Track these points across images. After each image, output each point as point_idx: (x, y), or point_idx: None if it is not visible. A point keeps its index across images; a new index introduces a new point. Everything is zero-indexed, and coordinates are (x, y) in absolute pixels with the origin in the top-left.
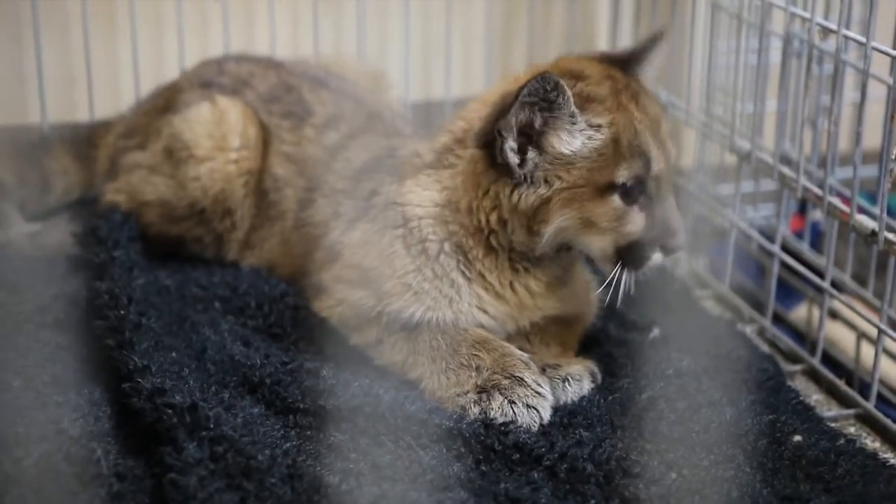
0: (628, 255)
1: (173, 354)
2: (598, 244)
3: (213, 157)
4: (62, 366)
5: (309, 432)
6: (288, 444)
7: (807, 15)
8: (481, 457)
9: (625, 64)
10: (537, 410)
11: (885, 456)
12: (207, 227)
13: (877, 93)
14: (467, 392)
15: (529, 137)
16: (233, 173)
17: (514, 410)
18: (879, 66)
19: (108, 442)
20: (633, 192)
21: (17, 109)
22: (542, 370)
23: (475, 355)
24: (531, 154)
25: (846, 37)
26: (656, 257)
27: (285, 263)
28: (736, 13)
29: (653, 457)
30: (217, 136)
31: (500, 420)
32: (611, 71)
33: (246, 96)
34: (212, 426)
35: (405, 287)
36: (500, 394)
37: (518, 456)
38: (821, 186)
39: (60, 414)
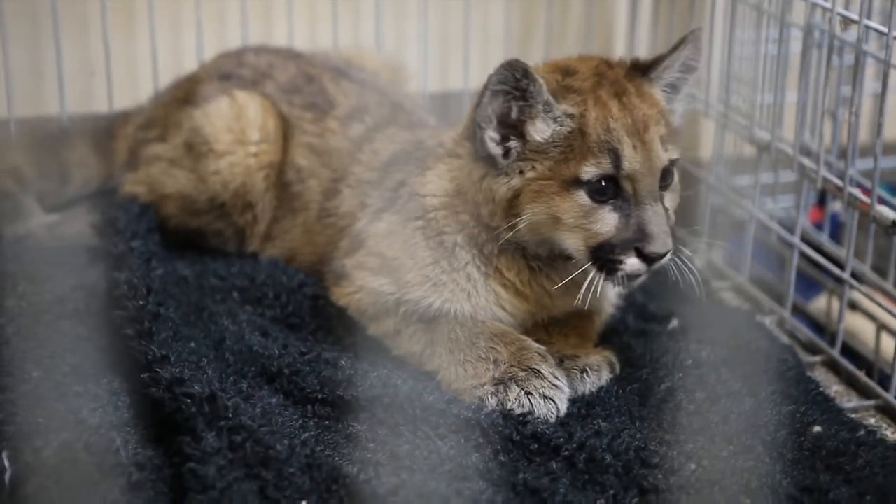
0: (600, 256)
1: (192, 344)
2: (570, 242)
3: (233, 152)
4: (81, 356)
5: (327, 422)
6: (306, 434)
7: (828, 5)
8: (500, 447)
9: (645, 68)
10: (554, 402)
11: None
12: (227, 220)
13: None
14: (484, 384)
15: (514, 128)
16: (253, 166)
17: (530, 401)
18: None
19: (127, 431)
20: (604, 191)
21: (36, 101)
22: (560, 361)
23: (493, 348)
24: (513, 144)
25: (867, 27)
26: (632, 263)
27: (307, 252)
28: (756, 4)
29: (672, 447)
30: (237, 129)
31: (518, 412)
32: (605, 70)
33: (266, 87)
34: (230, 416)
35: (425, 278)
36: (517, 385)
37: (536, 446)
38: (841, 177)
39: (80, 404)
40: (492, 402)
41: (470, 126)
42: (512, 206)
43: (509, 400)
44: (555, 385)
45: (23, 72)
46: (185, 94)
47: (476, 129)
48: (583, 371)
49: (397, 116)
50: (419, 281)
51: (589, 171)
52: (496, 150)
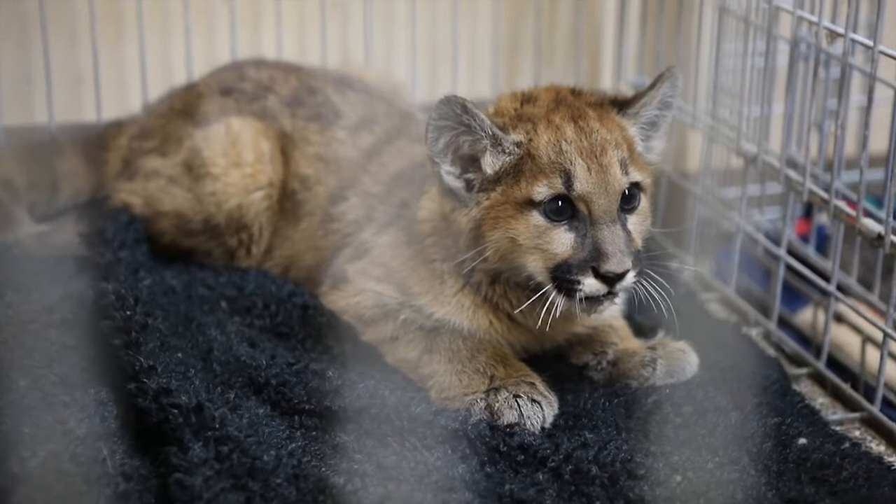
0: (558, 277)
1: (179, 355)
2: (531, 265)
3: (228, 174)
4: (68, 366)
5: (314, 433)
6: (293, 445)
7: (814, 18)
8: (486, 458)
9: (622, 105)
10: (541, 407)
11: (890, 459)
12: (219, 241)
13: (883, 96)
14: (475, 392)
15: (471, 160)
16: (249, 187)
17: (518, 404)
18: (886, 69)
19: (114, 442)
20: (560, 212)
21: (25, 110)
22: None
23: (493, 366)
24: (473, 175)
25: (853, 40)
26: (590, 283)
27: (308, 257)
28: (743, 16)
29: (658, 459)
30: (232, 154)
31: (505, 413)
32: (567, 97)
33: (268, 101)
34: (217, 426)
35: (427, 289)
36: (506, 390)
37: (523, 457)
38: (827, 190)
39: (66, 414)
40: (480, 405)
41: (427, 162)
42: (476, 236)
43: (497, 401)
44: (544, 394)
45: (11, 80)
46: (184, 105)
47: (432, 165)
48: (679, 351)
49: (407, 128)
50: (423, 292)
51: (541, 191)
52: (456, 184)
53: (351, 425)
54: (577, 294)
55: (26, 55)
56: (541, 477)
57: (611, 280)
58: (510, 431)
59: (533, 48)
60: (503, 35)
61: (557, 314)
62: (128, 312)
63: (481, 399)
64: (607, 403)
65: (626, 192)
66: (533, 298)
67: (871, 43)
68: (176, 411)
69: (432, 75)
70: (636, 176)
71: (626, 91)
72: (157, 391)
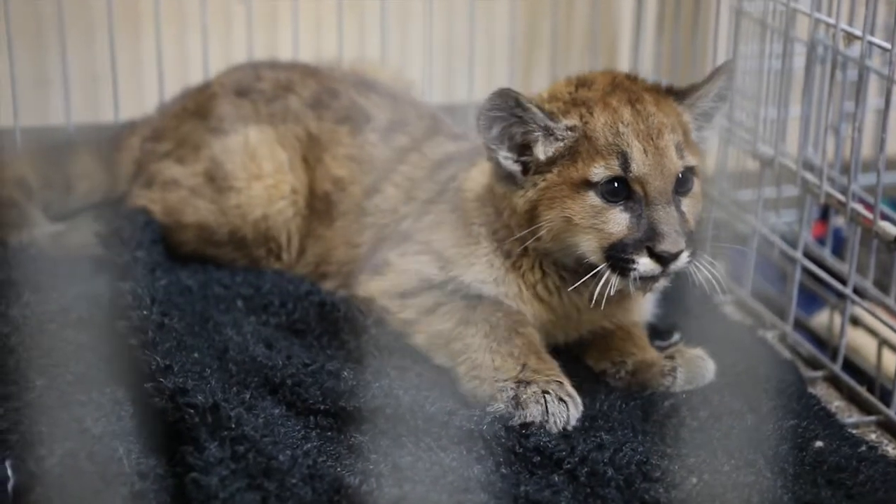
0: (613, 256)
1: (195, 354)
2: (585, 244)
3: (250, 186)
4: (85, 365)
5: (329, 433)
6: (309, 445)
7: (831, 21)
8: (502, 459)
9: (679, 94)
10: (567, 407)
11: None
12: (244, 251)
13: None
14: (506, 380)
15: (526, 146)
16: (274, 196)
17: (545, 400)
18: None
19: (130, 441)
20: (616, 192)
21: (42, 110)
22: (633, 374)
23: (525, 354)
24: (530, 158)
25: (871, 43)
26: (644, 262)
27: (340, 252)
28: (760, 18)
29: (673, 461)
30: (252, 167)
31: (531, 407)
32: (623, 81)
33: (290, 102)
34: (233, 426)
35: (461, 256)
36: (536, 385)
37: (539, 459)
38: (843, 192)
39: (83, 413)
40: (509, 393)
41: (484, 149)
42: (532, 217)
43: (526, 394)
44: (571, 395)
45: (28, 81)
46: (197, 106)
47: (488, 152)
48: (696, 359)
49: (440, 127)
50: (457, 258)
51: (598, 172)
52: (513, 168)
53: (366, 425)
54: (632, 273)
55: (43, 56)
56: (556, 478)
57: (665, 259)
58: (526, 433)
59: (549, 47)
60: (520, 34)
61: (612, 292)
62: (144, 312)
63: (511, 388)
64: (623, 406)
65: (681, 175)
66: (585, 278)
67: (888, 45)
68: (192, 411)
69: (448, 74)
70: (691, 160)
71: None
72: (174, 391)
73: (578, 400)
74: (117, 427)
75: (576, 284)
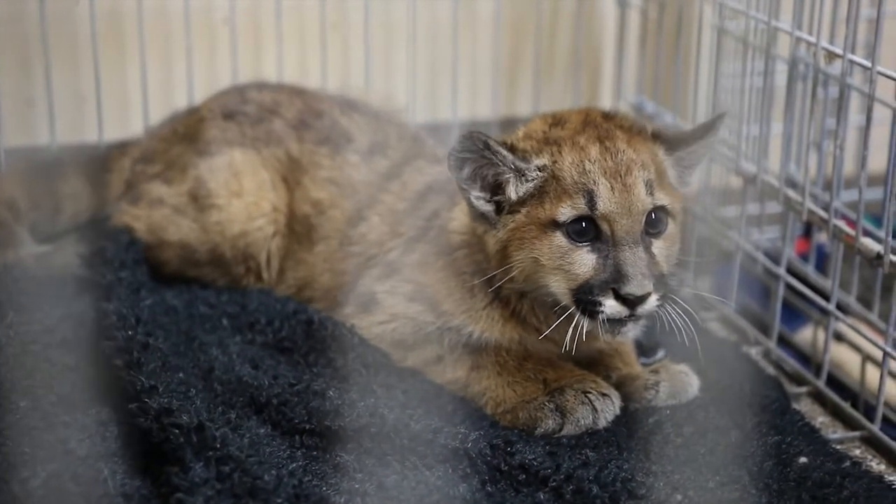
0: (581, 298)
1: (180, 375)
2: (554, 285)
3: (231, 203)
4: (69, 386)
5: (315, 453)
6: (294, 465)
7: (812, 39)
8: (487, 477)
9: (668, 142)
10: (612, 399)
11: (891, 478)
12: (224, 270)
13: (882, 116)
14: (537, 398)
15: (498, 186)
16: (253, 214)
17: (588, 398)
18: (884, 90)
19: (115, 462)
20: (583, 232)
21: (26, 131)
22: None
23: (541, 370)
24: (502, 198)
25: (851, 61)
26: (611, 305)
27: (324, 279)
28: (742, 37)
29: (658, 478)
30: (234, 185)
31: (579, 410)
32: (595, 118)
33: (273, 124)
34: (218, 446)
35: (460, 309)
36: (572, 388)
37: (524, 476)
38: (826, 209)
39: (67, 434)
40: (550, 406)
41: (457, 188)
42: (503, 257)
43: (567, 400)
44: (607, 388)
45: (12, 101)
46: (186, 130)
47: (461, 192)
48: (680, 374)
49: (422, 150)
50: (455, 311)
51: (564, 212)
52: (486, 208)
53: (351, 445)
54: (600, 316)
55: (28, 76)
56: (542, 496)
57: (631, 302)
58: (511, 451)
59: (533, 69)
60: (503, 56)
61: (583, 336)
62: (129, 332)
63: (549, 402)
64: (609, 423)
65: (653, 215)
66: (559, 320)
67: (869, 63)
68: (177, 431)
69: (432, 96)
70: (662, 199)
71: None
72: (159, 411)
73: (615, 391)
74: (102, 448)
75: (550, 328)
